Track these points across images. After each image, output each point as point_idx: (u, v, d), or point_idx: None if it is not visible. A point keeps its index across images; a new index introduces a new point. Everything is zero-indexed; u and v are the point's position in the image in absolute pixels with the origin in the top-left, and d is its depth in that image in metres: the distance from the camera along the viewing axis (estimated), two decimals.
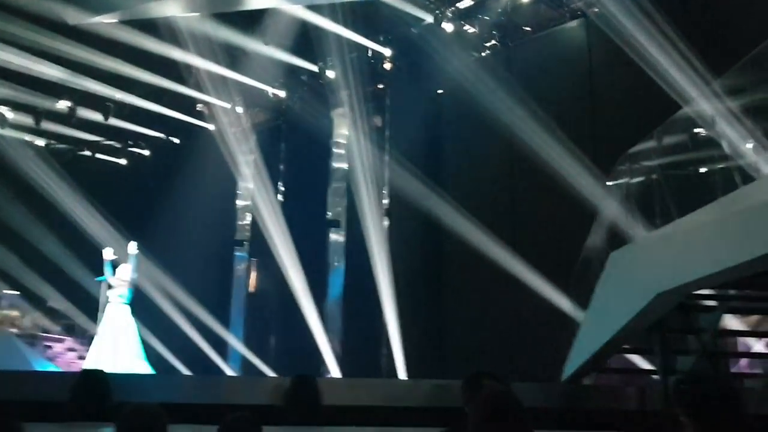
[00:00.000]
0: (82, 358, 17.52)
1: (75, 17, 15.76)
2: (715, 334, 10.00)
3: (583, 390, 10.27)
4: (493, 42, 16.35)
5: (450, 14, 16.10)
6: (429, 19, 16.22)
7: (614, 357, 10.83)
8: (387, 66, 17.67)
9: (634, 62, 12.64)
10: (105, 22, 16.14)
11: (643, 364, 11.20)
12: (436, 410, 7.86)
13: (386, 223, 17.64)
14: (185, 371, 17.24)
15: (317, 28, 16.42)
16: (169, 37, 16.26)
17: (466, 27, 16.26)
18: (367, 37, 17.01)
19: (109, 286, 12.85)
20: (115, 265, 12.95)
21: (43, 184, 18.60)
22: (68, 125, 19.69)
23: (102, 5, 15.76)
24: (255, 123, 21.02)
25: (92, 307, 14.42)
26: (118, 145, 21.18)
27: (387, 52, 17.29)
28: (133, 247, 13.02)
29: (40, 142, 20.12)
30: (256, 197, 20.12)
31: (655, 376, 9.85)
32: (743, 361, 11.81)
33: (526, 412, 2.96)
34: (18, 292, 19.12)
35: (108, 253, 13.00)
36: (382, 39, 17.23)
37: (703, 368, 9.37)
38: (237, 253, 20.59)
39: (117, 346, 12.32)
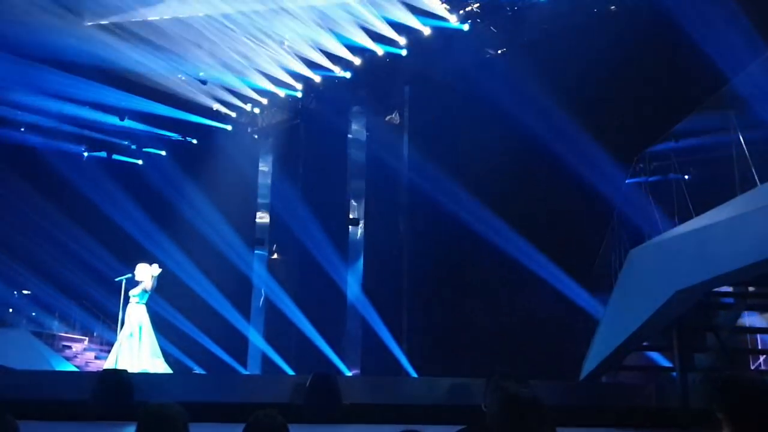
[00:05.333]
0: (99, 357, 17.65)
1: (91, 17, 15.86)
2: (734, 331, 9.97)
3: (602, 388, 10.27)
4: (509, 39, 16.27)
5: (466, 12, 16.08)
6: (446, 16, 16.19)
7: (633, 354, 10.84)
8: (404, 64, 17.60)
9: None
10: (121, 21, 16.24)
11: (662, 361, 11.19)
12: (455, 408, 7.88)
13: (405, 220, 17.65)
14: (204, 371, 17.30)
15: (334, 28, 16.42)
16: (186, 37, 16.33)
17: (483, 24, 16.20)
18: (384, 35, 16.96)
19: (128, 287, 12.95)
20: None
21: (61, 185, 18.67)
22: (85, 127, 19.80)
23: (117, 6, 15.88)
24: (273, 123, 21.08)
25: (111, 308, 14.51)
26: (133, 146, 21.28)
27: (404, 51, 17.23)
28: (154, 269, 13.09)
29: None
30: (275, 196, 20.21)
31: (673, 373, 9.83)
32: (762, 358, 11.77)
33: (546, 410, 2.97)
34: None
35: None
36: (399, 37, 17.15)
37: (723, 365, 9.36)
38: (256, 251, 20.64)
39: (135, 346, 12.42)
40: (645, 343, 10.35)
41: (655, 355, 11.55)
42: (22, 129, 19.08)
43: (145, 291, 12.89)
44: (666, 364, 10.88)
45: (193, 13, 16.01)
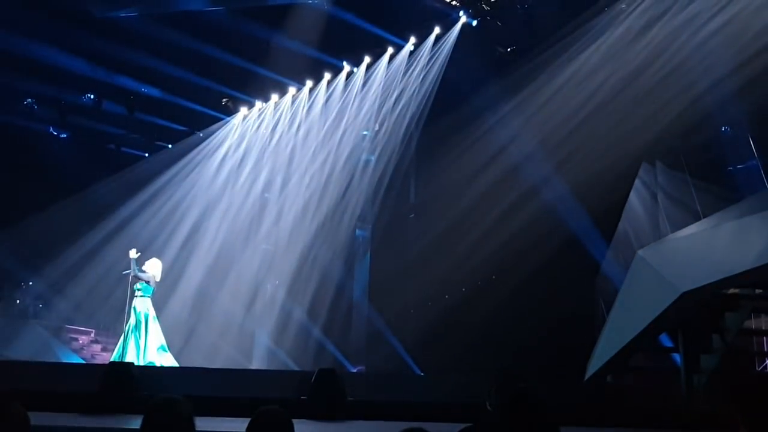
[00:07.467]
0: (106, 350, 17.67)
1: (101, 10, 15.90)
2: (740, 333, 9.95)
3: (606, 388, 10.26)
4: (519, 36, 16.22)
5: (475, 9, 16.06)
6: (455, 13, 16.18)
7: (638, 355, 10.83)
8: (413, 60, 17.59)
9: None
10: (131, 15, 16.28)
11: (667, 362, 11.17)
12: (459, 406, 7.89)
13: (412, 217, 17.65)
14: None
15: (343, 23, 16.39)
16: (196, 31, 16.33)
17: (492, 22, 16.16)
18: (392, 30, 16.95)
19: (134, 280, 12.98)
20: (140, 262, 13.08)
21: (68, 177, 18.65)
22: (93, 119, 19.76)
23: None
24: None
25: (117, 300, 14.52)
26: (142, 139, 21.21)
27: (412, 47, 17.23)
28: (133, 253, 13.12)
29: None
30: (282, 192, 20.14)
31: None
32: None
33: (550, 409, 2.99)
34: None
35: (132, 253, 13.06)
36: (407, 33, 17.12)
37: (728, 367, 9.34)
38: (263, 246, 20.60)
39: (141, 339, 12.46)
40: (651, 344, 10.34)
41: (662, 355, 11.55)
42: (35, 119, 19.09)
43: (149, 284, 12.94)
44: (671, 364, 10.87)
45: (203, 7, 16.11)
